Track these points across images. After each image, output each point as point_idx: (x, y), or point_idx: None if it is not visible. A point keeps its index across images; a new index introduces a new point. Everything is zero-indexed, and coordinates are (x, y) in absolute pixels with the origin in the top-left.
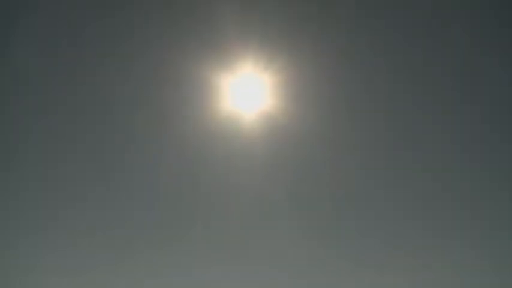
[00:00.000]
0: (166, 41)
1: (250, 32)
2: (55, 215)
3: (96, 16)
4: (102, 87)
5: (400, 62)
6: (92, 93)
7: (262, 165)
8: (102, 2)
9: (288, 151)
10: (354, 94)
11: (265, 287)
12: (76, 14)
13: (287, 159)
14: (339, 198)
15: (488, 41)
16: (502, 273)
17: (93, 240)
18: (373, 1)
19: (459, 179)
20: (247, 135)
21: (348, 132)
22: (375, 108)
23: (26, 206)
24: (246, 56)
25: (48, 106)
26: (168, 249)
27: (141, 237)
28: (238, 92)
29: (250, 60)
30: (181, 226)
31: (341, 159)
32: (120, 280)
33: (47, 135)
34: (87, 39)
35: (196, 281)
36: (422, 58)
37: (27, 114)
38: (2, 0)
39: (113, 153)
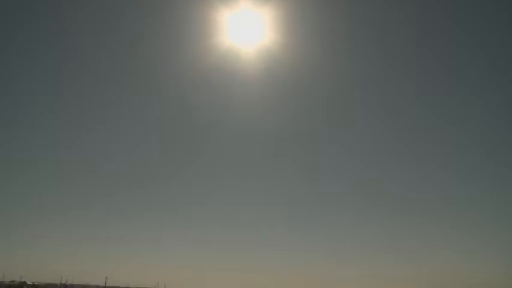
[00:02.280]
0: None
1: None
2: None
3: None
4: (104, 24)
5: None
6: (94, 25)
7: (262, 96)
8: None
9: (287, 84)
10: (354, 28)
11: (265, 205)
12: None
13: (286, 92)
14: (338, 130)
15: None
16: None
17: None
18: None
19: (459, 115)
20: (247, 68)
21: (347, 65)
22: (375, 42)
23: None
24: None
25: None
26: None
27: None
28: (238, 26)
29: None
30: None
31: (341, 93)
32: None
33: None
34: None
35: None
36: None
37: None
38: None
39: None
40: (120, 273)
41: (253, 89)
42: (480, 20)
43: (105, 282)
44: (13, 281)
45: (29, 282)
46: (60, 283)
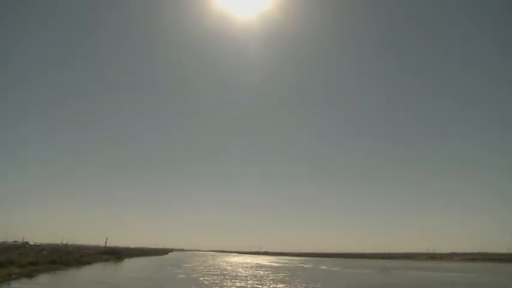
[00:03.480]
0: None
1: None
2: None
3: None
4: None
5: None
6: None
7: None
8: None
9: (286, 46)
10: None
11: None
12: None
13: (286, 55)
14: (338, 94)
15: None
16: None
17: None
18: None
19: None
20: (245, 30)
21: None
22: (377, 7)
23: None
24: None
25: None
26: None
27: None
28: None
29: None
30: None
31: (343, 54)
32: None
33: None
34: None
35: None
36: None
37: None
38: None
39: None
40: (120, 234)
41: (253, 50)
42: None
43: (106, 242)
44: (16, 241)
45: (31, 243)
46: (61, 243)
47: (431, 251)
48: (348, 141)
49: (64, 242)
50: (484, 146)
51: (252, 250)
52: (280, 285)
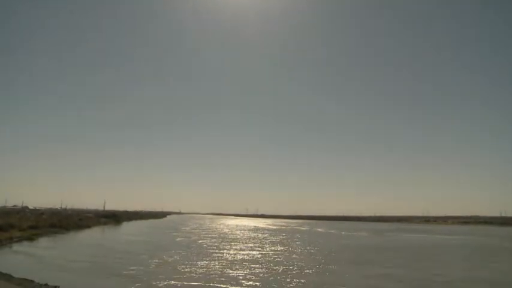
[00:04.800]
0: None
1: None
2: None
3: None
4: None
5: None
6: None
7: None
8: None
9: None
10: None
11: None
12: None
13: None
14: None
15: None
16: None
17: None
18: None
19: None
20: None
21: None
22: None
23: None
24: None
25: None
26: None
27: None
28: None
29: None
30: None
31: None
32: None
33: None
34: None
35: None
36: None
37: None
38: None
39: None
40: (118, 198)
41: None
42: None
43: (104, 206)
44: (15, 206)
45: (30, 207)
46: (60, 207)
47: (425, 214)
48: (343, 102)
49: (63, 206)
50: (481, 111)
51: (249, 213)
52: (280, 248)
